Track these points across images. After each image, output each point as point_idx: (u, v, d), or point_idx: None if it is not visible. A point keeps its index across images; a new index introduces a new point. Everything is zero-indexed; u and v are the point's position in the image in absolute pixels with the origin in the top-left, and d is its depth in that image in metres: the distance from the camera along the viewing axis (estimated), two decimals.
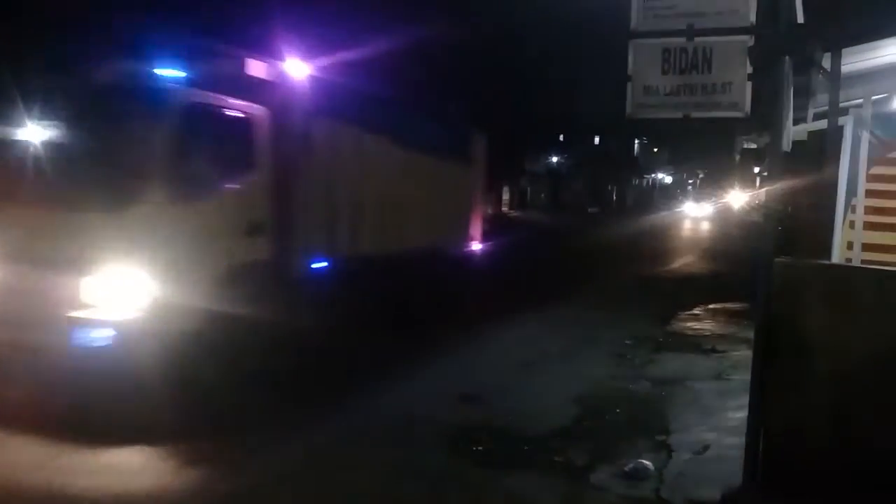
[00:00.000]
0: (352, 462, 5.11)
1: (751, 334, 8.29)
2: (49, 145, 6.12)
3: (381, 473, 4.95)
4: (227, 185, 6.50)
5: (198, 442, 5.28)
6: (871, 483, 3.94)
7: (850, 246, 6.76)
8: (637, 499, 4.70)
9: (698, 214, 50.90)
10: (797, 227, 8.11)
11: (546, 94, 45.14)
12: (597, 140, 59.24)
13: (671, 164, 75.12)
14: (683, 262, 20.99)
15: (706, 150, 54.57)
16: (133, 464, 4.99)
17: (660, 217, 44.89)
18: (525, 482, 4.91)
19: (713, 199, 52.42)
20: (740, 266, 16.03)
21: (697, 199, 58.79)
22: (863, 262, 6.51)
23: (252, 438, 5.46)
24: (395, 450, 5.40)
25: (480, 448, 5.52)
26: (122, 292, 5.61)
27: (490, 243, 13.26)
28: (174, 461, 5.00)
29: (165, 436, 5.28)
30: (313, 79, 7.53)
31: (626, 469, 5.09)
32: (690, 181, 78.95)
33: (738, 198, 43.29)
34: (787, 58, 4.15)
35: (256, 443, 5.38)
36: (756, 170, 25.01)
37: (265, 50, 7.16)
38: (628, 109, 4.58)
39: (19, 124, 6.21)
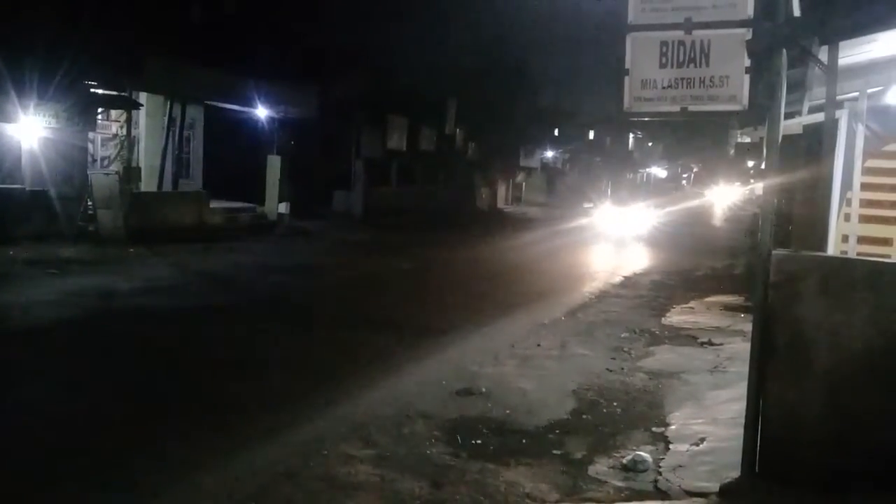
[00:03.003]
0: (349, 455, 5.13)
1: (745, 327, 8.37)
2: None
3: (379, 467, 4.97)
4: None
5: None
6: (867, 474, 3.97)
7: (845, 239, 6.79)
8: (635, 491, 4.72)
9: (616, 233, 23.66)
10: (793, 220, 8.16)
11: (541, 89, 45.20)
12: (591, 134, 59.30)
13: (665, 159, 75.22)
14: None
15: (701, 144, 54.77)
16: None
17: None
18: (524, 475, 4.93)
19: (664, 199, 29.95)
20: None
21: (621, 200, 27.35)
22: (858, 254, 6.55)
23: (248, 432, 5.48)
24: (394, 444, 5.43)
25: (479, 441, 5.54)
26: None
27: None
28: None
29: None
30: None
31: (625, 461, 5.12)
32: (685, 175, 79.03)
33: (724, 195, 37.48)
34: (784, 51, 4.17)
35: (250, 437, 5.40)
36: (750, 164, 25.03)
37: None
38: (626, 103, 4.60)
39: None
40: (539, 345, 8.85)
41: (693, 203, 36.93)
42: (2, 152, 16.39)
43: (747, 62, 4.29)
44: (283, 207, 21.77)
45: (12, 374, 6.89)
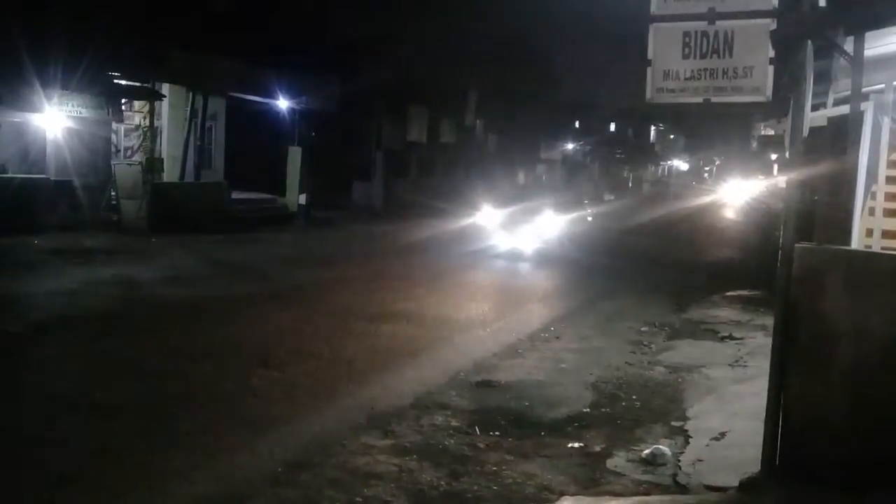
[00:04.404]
0: (368, 446, 5.16)
1: (767, 321, 8.29)
2: None
3: (397, 457, 4.99)
4: None
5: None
6: (889, 471, 3.93)
7: (869, 233, 6.70)
8: (654, 484, 4.71)
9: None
10: (816, 214, 8.05)
11: (563, 81, 44.97)
12: (612, 127, 58.97)
13: (687, 152, 74.64)
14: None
15: (723, 137, 54.27)
16: None
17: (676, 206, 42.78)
18: (542, 467, 4.93)
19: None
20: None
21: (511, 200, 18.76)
22: (882, 249, 6.46)
23: (267, 422, 5.52)
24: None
25: (497, 433, 5.55)
26: None
27: None
28: None
29: None
30: None
31: (644, 455, 5.10)
32: (707, 168, 78.38)
33: (743, 189, 32.61)
34: (809, 42, 4.11)
35: (269, 427, 5.44)
36: (773, 157, 24.67)
37: None
38: (648, 94, 4.55)
39: None
40: (558, 337, 8.84)
41: (700, 201, 34.91)
42: (27, 142, 16.59)
43: (772, 53, 4.22)
44: (303, 198, 21.88)
45: (35, 362, 6.99)
